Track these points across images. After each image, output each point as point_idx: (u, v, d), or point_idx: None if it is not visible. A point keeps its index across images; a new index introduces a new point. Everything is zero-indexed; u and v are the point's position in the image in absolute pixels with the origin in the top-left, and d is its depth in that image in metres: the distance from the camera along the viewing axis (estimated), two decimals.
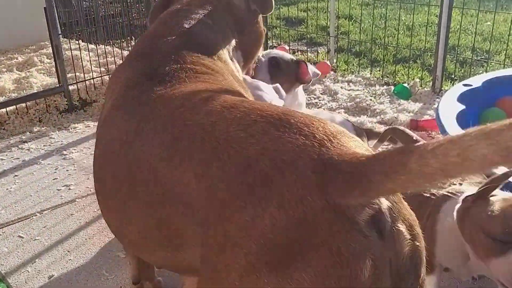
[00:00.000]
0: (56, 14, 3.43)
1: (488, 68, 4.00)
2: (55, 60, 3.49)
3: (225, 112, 1.07)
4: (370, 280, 0.87)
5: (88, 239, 2.19)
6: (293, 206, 0.87)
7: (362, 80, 4.04)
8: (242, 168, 0.95)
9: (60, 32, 3.50)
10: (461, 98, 2.44)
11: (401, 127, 1.93)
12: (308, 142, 0.94)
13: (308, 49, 5.02)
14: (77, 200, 2.50)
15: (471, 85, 2.59)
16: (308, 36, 5.49)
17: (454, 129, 2.14)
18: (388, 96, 3.70)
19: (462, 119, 2.29)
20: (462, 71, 4.17)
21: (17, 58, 4.29)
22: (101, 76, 3.77)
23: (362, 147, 1.00)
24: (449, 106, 2.36)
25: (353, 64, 4.50)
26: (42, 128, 3.33)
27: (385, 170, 0.83)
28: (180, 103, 1.17)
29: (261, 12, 1.83)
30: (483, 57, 4.53)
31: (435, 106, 3.47)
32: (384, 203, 0.91)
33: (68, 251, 2.12)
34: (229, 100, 1.12)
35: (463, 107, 2.34)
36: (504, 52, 4.68)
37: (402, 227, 0.95)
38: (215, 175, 0.98)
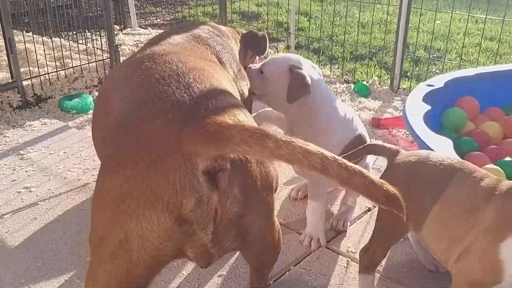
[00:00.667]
0: (8, 5, 3.24)
1: (442, 66, 4.15)
2: (7, 54, 3.31)
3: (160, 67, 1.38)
4: (192, 215, 1.16)
5: (55, 244, 2.10)
6: (157, 140, 1.16)
7: (323, 78, 4.09)
8: (137, 104, 1.27)
9: (12, 25, 3.31)
10: (426, 99, 2.52)
11: (379, 143, 1.99)
12: (188, 101, 1.23)
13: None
14: (39, 203, 2.39)
15: (433, 85, 2.68)
16: (266, 31, 5.49)
17: (422, 130, 2.21)
18: (349, 94, 3.77)
19: (428, 119, 2.36)
20: (417, 69, 4.31)
21: None
22: (56, 71, 3.61)
23: (238, 117, 1.27)
24: (415, 107, 2.43)
25: (313, 61, 4.54)
26: None
27: (237, 139, 1.09)
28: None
29: (258, 53, 2.17)
30: (436, 55, 4.70)
31: (394, 104, 3.58)
32: (228, 167, 1.17)
33: (35, 258, 2.02)
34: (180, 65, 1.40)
35: (428, 107, 2.42)
36: (455, 50, 4.88)
37: (237, 191, 1.21)
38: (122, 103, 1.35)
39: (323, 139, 1.88)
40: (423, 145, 2.13)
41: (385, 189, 1.08)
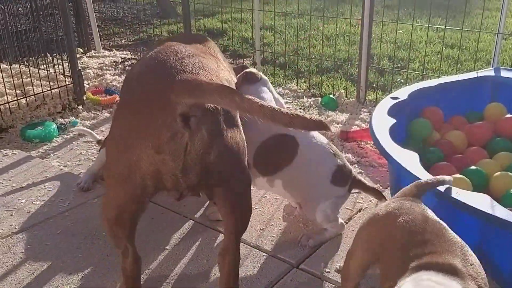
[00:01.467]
0: None
1: (406, 76, 4.21)
2: None
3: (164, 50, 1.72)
4: (167, 146, 1.51)
5: (18, 285, 2.01)
6: (150, 90, 1.57)
7: (290, 92, 4.10)
8: (142, 68, 1.71)
9: None
10: (391, 112, 2.53)
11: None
12: (179, 66, 1.60)
13: (233, 62, 5.02)
14: (0, 240, 2.29)
15: (398, 98, 2.70)
16: (232, 48, 5.49)
17: (388, 143, 2.22)
18: (316, 108, 3.78)
19: (394, 132, 2.37)
20: (383, 79, 4.36)
21: None
22: (17, 100, 3.51)
23: (214, 77, 1.67)
24: (380, 120, 2.44)
25: (279, 76, 4.55)
26: None
27: (212, 91, 1.47)
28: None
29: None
30: (399, 65, 4.76)
31: (362, 115, 3.60)
32: (199, 114, 1.52)
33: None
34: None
35: (394, 121, 2.43)
36: (418, 59, 4.97)
37: (204, 133, 1.54)
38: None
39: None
40: (390, 160, 2.13)
41: (313, 118, 1.47)
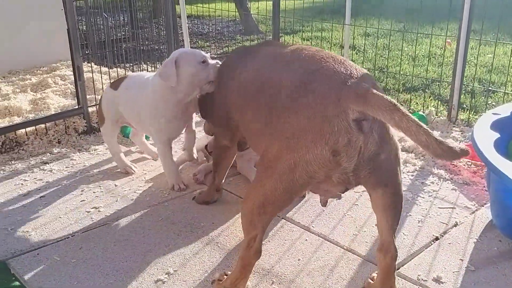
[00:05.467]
0: (78, 36, 3.42)
1: (503, 97, 4.09)
2: (75, 82, 3.47)
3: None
4: (344, 149, 1.61)
5: (125, 263, 2.14)
6: (325, 96, 1.64)
7: None
8: (309, 73, 1.77)
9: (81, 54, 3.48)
10: (493, 126, 2.48)
11: None
12: (344, 72, 1.68)
13: None
14: (108, 222, 2.46)
15: (499, 114, 2.64)
16: None
17: (493, 156, 2.17)
18: None
19: (496, 147, 2.32)
20: (474, 101, 4.25)
21: (30, 79, 4.26)
22: None
23: (377, 89, 1.65)
24: (484, 134, 2.39)
25: None
26: (62, 149, 3.29)
27: (375, 105, 1.54)
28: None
29: None
30: (490, 88, 4.62)
31: (453, 134, 3.52)
32: (370, 117, 1.59)
33: (107, 275, 2.06)
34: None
35: (497, 135, 2.37)
36: (510, 83, 4.80)
37: (375, 135, 1.64)
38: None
39: None
40: (496, 171, 2.08)
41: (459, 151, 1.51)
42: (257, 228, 1.81)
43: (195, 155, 2.91)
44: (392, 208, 1.83)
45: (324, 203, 2.13)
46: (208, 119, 2.70)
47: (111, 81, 4.07)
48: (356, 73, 1.69)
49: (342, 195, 1.95)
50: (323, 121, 1.60)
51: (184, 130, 2.82)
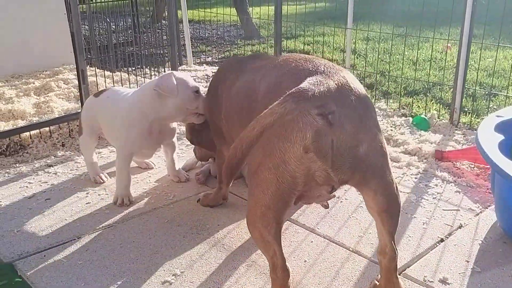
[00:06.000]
0: (82, 40, 3.43)
1: (504, 100, 4.11)
2: (79, 85, 3.48)
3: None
4: (314, 144, 1.57)
5: (132, 264, 2.15)
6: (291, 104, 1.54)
7: (380, 111, 4.11)
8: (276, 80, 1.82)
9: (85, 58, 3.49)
10: (497, 129, 2.49)
11: None
12: (310, 68, 1.71)
13: None
14: (114, 224, 2.46)
15: (502, 116, 2.65)
16: None
17: (498, 157, 2.18)
18: (408, 127, 3.76)
19: (501, 148, 2.33)
20: (475, 104, 4.27)
21: (33, 83, 4.27)
22: None
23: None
24: (488, 136, 2.41)
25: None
26: (66, 152, 3.30)
27: None
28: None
29: None
30: (492, 92, 4.64)
31: (456, 137, 3.54)
32: (335, 109, 1.57)
33: (114, 276, 2.07)
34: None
35: (502, 137, 2.39)
36: (511, 87, 4.82)
37: (347, 126, 1.58)
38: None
39: None
40: (501, 173, 2.10)
41: None
42: (270, 243, 1.75)
43: (183, 175, 2.93)
44: (387, 211, 1.78)
45: (325, 206, 2.13)
46: (199, 144, 2.76)
47: (115, 84, 4.10)
48: (322, 68, 1.69)
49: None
50: (290, 121, 1.57)
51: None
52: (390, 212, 1.78)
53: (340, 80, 1.65)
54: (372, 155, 1.67)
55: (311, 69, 1.71)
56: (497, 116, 2.66)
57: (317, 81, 1.60)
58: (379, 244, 1.87)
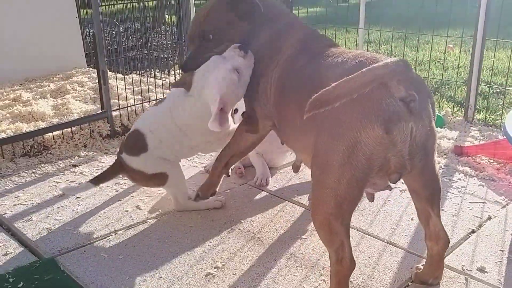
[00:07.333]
0: (103, 41, 3.45)
1: (507, 100, 4.18)
2: (99, 86, 3.49)
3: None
4: (396, 127, 1.56)
5: (173, 258, 2.16)
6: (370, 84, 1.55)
7: None
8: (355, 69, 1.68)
9: (106, 59, 3.50)
10: None
11: None
12: (381, 58, 1.71)
13: None
14: (148, 221, 2.47)
15: None
16: None
17: None
18: None
19: None
20: (485, 102, 4.34)
21: (48, 86, 4.28)
22: (142, 103, 3.78)
23: None
24: None
25: None
26: (89, 153, 3.31)
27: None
28: None
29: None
30: (498, 90, 4.72)
31: (472, 133, 3.60)
32: (417, 97, 1.57)
33: (156, 270, 2.08)
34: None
35: None
36: None
37: (426, 119, 1.62)
38: None
39: None
40: None
41: None
42: (340, 234, 1.70)
43: None
44: (435, 196, 1.85)
45: (371, 198, 2.13)
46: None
47: (127, 87, 4.11)
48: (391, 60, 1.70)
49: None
50: (373, 102, 1.55)
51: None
52: (438, 195, 1.85)
53: (415, 73, 1.69)
54: (432, 147, 1.73)
55: (382, 58, 1.70)
56: None
57: (403, 69, 1.57)
58: (429, 231, 1.91)
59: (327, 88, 1.53)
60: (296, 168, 2.41)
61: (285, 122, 2.06)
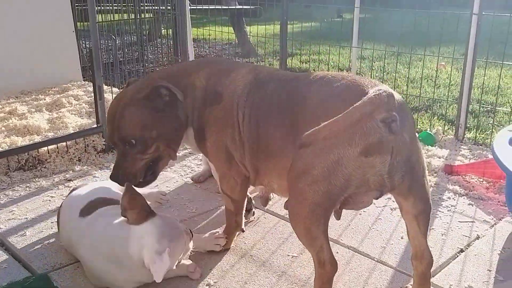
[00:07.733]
0: (100, 55, 3.49)
1: (498, 118, 4.25)
2: (95, 101, 3.53)
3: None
4: (375, 148, 1.63)
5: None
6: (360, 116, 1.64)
7: None
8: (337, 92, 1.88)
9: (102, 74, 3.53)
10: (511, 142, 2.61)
11: None
12: (364, 83, 1.82)
13: None
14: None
15: None
16: None
17: None
18: None
19: None
20: (476, 120, 4.41)
21: (44, 99, 4.31)
22: None
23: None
24: (504, 150, 2.51)
25: None
26: (83, 167, 3.33)
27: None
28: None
29: None
30: (489, 108, 4.80)
31: (462, 152, 3.65)
32: (397, 119, 1.63)
33: (147, 286, 2.10)
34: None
35: None
36: (509, 104, 4.99)
37: (406, 136, 1.68)
38: None
39: None
40: None
41: None
42: (319, 237, 1.78)
43: None
44: (424, 215, 1.88)
45: (337, 217, 2.08)
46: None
47: None
48: (373, 83, 1.81)
49: (364, 210, 2.00)
50: (351, 124, 1.64)
51: None
52: (426, 214, 1.89)
53: (394, 92, 1.74)
54: (418, 164, 1.78)
55: (364, 81, 1.81)
56: (509, 130, 2.78)
57: (382, 91, 1.67)
58: (415, 250, 1.95)
59: (317, 128, 1.67)
60: (265, 201, 2.53)
61: (262, 149, 2.06)
